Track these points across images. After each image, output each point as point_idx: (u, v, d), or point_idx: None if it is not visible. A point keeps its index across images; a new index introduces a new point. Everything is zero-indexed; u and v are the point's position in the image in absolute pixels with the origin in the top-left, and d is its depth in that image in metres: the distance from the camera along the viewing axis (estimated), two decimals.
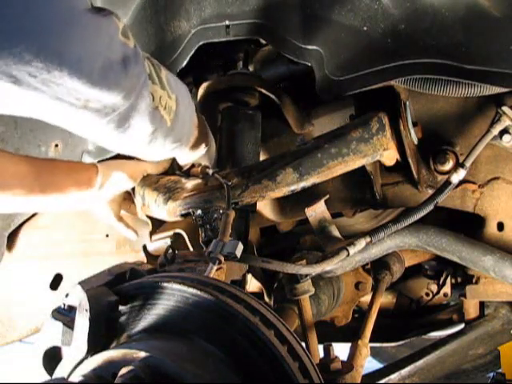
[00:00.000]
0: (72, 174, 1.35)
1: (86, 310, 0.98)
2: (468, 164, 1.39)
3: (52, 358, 1.06)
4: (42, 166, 1.32)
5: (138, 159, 1.41)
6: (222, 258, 1.14)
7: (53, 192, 1.31)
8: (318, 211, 1.46)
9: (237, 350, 0.90)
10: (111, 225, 1.55)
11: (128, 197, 1.59)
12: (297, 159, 1.37)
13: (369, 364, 1.59)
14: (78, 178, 1.36)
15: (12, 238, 1.90)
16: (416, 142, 1.52)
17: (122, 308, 1.02)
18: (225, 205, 1.35)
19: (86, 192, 1.37)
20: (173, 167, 1.53)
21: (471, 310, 1.82)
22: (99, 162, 1.50)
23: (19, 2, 0.76)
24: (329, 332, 1.95)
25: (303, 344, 0.99)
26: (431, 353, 1.79)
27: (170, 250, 1.30)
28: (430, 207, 1.39)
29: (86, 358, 0.97)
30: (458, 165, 1.41)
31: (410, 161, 1.47)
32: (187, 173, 1.48)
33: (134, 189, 1.54)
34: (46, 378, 1.05)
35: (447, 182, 1.40)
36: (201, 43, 1.48)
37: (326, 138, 1.43)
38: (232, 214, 1.24)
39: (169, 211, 1.42)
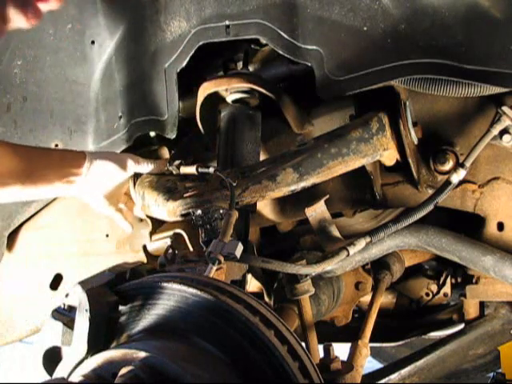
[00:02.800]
0: (63, 166, 1.39)
1: (86, 310, 0.98)
2: (468, 164, 1.39)
3: (52, 357, 1.06)
4: (35, 160, 1.36)
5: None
6: (222, 258, 1.14)
7: (43, 184, 1.35)
8: (317, 211, 1.46)
9: (237, 350, 0.90)
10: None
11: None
12: (297, 159, 1.37)
13: (369, 364, 1.59)
14: (69, 169, 1.40)
15: (12, 238, 1.90)
16: (416, 142, 1.52)
17: (121, 308, 1.02)
18: (225, 205, 1.35)
19: (75, 181, 1.41)
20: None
21: (471, 310, 1.82)
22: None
23: None
24: (329, 332, 1.95)
25: (303, 344, 0.99)
26: (431, 353, 1.79)
27: (170, 250, 1.30)
28: (430, 207, 1.39)
29: (86, 357, 0.97)
30: (458, 165, 1.40)
31: (409, 161, 1.47)
32: (178, 167, 1.47)
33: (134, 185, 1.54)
34: (46, 378, 1.05)
35: (447, 182, 1.40)
36: (201, 43, 1.48)
37: (325, 138, 1.43)
38: (235, 215, 1.24)
39: (169, 211, 1.42)
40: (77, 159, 1.42)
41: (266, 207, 1.77)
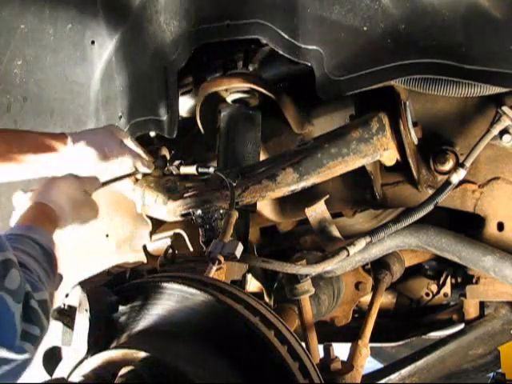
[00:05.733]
0: (41, 143, 1.35)
1: (86, 310, 0.98)
2: (468, 164, 1.39)
3: (52, 357, 1.06)
4: (14, 140, 1.34)
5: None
6: (222, 258, 1.14)
7: (27, 161, 1.33)
8: (317, 211, 1.46)
9: (237, 350, 0.90)
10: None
11: None
12: (297, 159, 1.37)
13: (369, 364, 1.59)
14: (47, 145, 1.35)
15: None
16: (416, 142, 1.52)
17: (121, 308, 1.02)
18: (225, 205, 1.35)
19: (54, 157, 1.36)
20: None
21: (471, 309, 1.82)
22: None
23: None
24: (329, 332, 1.95)
25: (303, 344, 0.99)
26: (431, 353, 1.79)
27: (170, 250, 1.30)
28: (430, 207, 1.39)
29: (86, 358, 0.97)
30: (458, 165, 1.40)
31: (409, 161, 1.47)
32: (178, 167, 1.46)
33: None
34: (46, 378, 1.05)
35: (447, 182, 1.40)
36: (201, 43, 1.48)
37: (326, 138, 1.43)
38: (235, 215, 1.24)
39: (169, 211, 1.42)
40: (57, 137, 1.39)
41: (266, 207, 1.77)
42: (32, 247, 1.06)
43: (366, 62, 1.30)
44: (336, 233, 1.47)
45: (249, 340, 0.90)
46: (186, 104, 1.74)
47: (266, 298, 1.90)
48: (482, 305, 1.82)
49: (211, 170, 1.39)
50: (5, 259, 0.89)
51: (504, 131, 1.43)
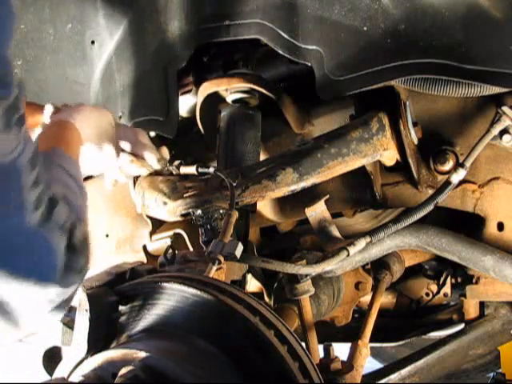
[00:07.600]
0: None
1: (86, 310, 0.98)
2: (468, 164, 1.39)
3: (52, 358, 1.06)
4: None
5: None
6: (222, 258, 1.14)
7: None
8: (317, 211, 1.46)
9: (237, 350, 0.90)
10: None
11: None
12: (297, 159, 1.38)
13: (369, 364, 1.59)
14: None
15: None
16: (416, 142, 1.52)
17: (121, 308, 1.02)
18: (225, 205, 1.35)
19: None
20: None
21: (471, 309, 1.82)
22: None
23: None
24: (329, 332, 1.94)
25: (303, 344, 0.99)
26: (431, 353, 1.79)
27: (170, 250, 1.30)
28: (430, 207, 1.39)
29: (86, 358, 0.98)
30: (458, 165, 1.41)
31: (409, 161, 1.47)
32: (178, 167, 1.46)
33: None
34: (46, 378, 1.05)
35: (447, 182, 1.40)
36: (201, 43, 1.48)
37: (325, 137, 1.43)
38: (235, 215, 1.24)
39: (169, 211, 1.42)
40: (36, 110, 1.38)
41: (265, 207, 1.77)
42: (67, 179, 1.03)
43: (366, 62, 1.30)
44: (336, 233, 1.47)
45: (249, 340, 0.90)
46: (185, 104, 1.74)
47: (266, 298, 1.90)
48: (482, 305, 1.82)
49: (211, 170, 1.39)
50: (52, 196, 0.90)
51: (504, 131, 1.43)
